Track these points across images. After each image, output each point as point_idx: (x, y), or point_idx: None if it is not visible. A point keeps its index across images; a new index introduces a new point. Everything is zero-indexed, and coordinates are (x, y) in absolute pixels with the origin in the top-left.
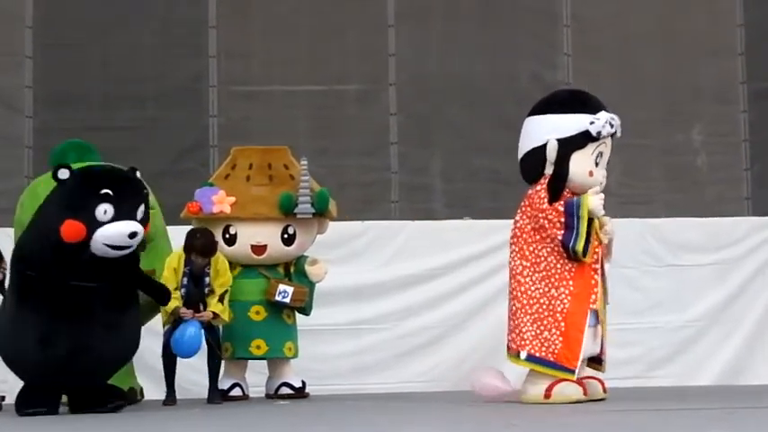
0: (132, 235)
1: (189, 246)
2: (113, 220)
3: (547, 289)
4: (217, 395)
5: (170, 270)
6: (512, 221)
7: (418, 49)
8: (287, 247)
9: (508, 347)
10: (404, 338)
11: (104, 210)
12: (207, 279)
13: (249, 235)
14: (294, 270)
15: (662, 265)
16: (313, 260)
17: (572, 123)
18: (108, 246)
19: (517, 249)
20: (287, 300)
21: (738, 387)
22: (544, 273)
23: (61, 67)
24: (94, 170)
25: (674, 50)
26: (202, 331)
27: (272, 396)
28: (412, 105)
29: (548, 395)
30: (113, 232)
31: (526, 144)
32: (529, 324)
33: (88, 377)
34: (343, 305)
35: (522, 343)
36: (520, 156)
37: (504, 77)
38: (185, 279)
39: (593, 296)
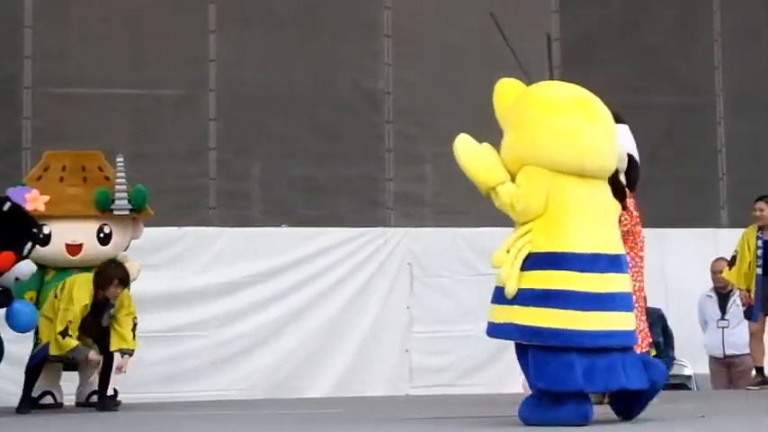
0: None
1: (107, 276)
2: (27, 257)
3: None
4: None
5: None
6: (329, 229)
7: (239, 55)
8: (103, 247)
9: None
10: (220, 346)
11: (29, 248)
12: (111, 310)
13: (64, 234)
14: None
15: (475, 275)
16: (124, 257)
17: None
18: (16, 279)
19: None
20: None
21: None
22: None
23: None
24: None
25: (490, 62)
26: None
27: (83, 404)
28: (231, 112)
29: None
30: (27, 270)
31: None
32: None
33: None
34: (158, 312)
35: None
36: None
37: (325, 86)
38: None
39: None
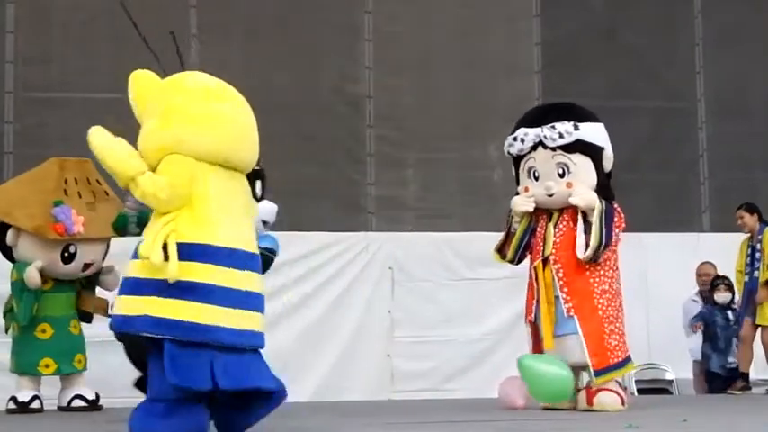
0: None
1: None
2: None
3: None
4: None
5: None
6: (310, 233)
7: (219, 60)
8: (102, 263)
9: None
10: None
11: (260, 187)
12: None
13: (86, 253)
14: (87, 283)
15: (457, 279)
16: (109, 268)
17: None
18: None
19: None
20: None
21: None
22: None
23: None
24: None
25: (473, 67)
26: None
27: (65, 408)
28: None
29: None
30: (267, 210)
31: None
32: None
33: None
34: None
35: None
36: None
37: (306, 90)
38: None
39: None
